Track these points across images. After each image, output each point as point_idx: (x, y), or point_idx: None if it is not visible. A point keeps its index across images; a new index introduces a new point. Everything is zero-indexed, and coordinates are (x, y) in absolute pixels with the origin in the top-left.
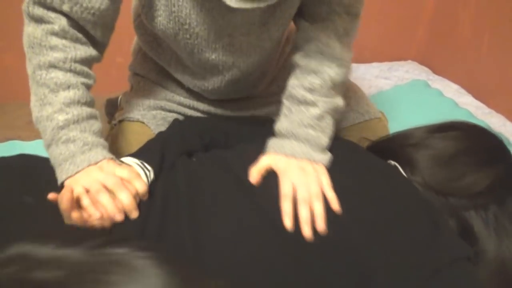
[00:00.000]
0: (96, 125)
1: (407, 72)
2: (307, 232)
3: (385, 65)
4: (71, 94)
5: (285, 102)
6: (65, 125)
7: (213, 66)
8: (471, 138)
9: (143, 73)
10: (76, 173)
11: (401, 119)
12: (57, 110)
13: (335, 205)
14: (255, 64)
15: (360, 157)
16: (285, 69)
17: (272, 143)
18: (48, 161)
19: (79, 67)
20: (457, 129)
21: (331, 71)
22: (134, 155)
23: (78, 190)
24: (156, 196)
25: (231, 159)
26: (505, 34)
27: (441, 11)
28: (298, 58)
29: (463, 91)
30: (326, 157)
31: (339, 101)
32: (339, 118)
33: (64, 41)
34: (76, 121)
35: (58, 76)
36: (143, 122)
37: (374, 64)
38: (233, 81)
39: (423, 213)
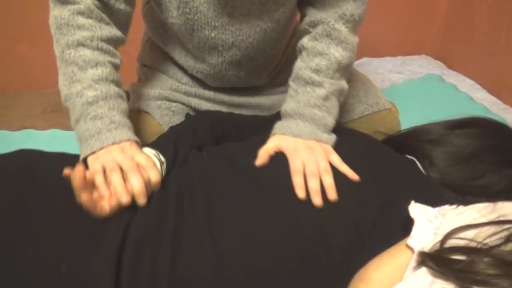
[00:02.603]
0: (123, 105)
1: (420, 66)
2: (317, 201)
3: (398, 59)
4: (99, 71)
5: (292, 84)
6: (94, 101)
7: (213, 46)
8: (491, 136)
9: (150, 63)
10: (100, 149)
11: (414, 113)
12: (86, 86)
13: (353, 175)
14: (255, 46)
15: (377, 149)
16: (292, 61)
17: (278, 124)
18: (47, 156)
19: (105, 46)
20: (478, 126)
21: (337, 54)
22: (150, 146)
23: (95, 167)
24: (170, 188)
25: (241, 151)
26: None
27: (457, 5)
28: (305, 42)
29: (478, 86)
30: (332, 137)
31: (344, 84)
32: (349, 109)
33: (90, 21)
34: (105, 98)
35: (86, 54)
36: (147, 112)
37: (387, 58)
38: (234, 63)
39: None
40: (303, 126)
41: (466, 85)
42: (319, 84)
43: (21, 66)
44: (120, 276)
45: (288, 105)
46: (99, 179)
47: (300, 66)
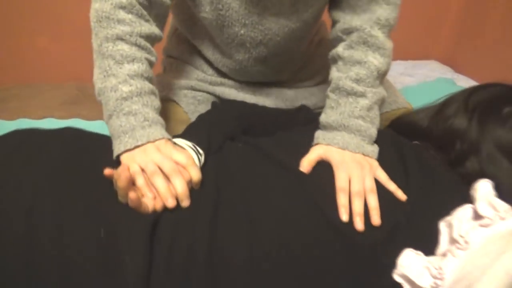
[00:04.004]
0: (156, 102)
1: (431, 70)
2: (359, 224)
3: (409, 63)
4: (135, 67)
5: (331, 95)
6: (129, 97)
7: (241, 43)
8: None
9: (176, 55)
10: (135, 147)
11: None
12: (121, 81)
13: (401, 195)
14: (282, 44)
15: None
16: (313, 58)
17: (321, 134)
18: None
19: (143, 42)
20: None
21: (376, 61)
22: (183, 136)
23: (134, 169)
24: (208, 177)
25: (276, 147)
26: None
27: (468, 11)
28: (340, 51)
29: None
30: (376, 149)
31: (383, 92)
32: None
33: (130, 16)
34: (139, 94)
35: (124, 48)
36: (174, 101)
37: (398, 61)
38: (260, 59)
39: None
40: (348, 138)
41: None
42: (362, 95)
43: (39, 58)
44: (155, 247)
45: (330, 117)
46: (140, 181)
47: (339, 76)
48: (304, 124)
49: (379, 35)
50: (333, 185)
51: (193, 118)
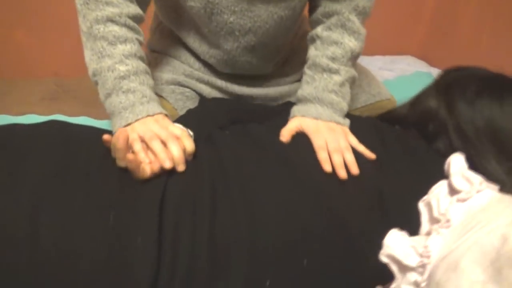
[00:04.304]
0: (151, 80)
1: (408, 65)
2: (342, 174)
3: (387, 58)
4: (128, 47)
5: (308, 71)
6: (126, 76)
7: (230, 31)
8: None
9: (160, 49)
10: (135, 121)
11: None
12: (117, 61)
13: (370, 154)
14: (270, 32)
15: (385, 130)
16: (297, 51)
17: (296, 108)
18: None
19: (132, 23)
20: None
21: (351, 43)
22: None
23: (133, 136)
24: (201, 160)
25: (263, 131)
26: (504, 32)
27: (442, 9)
28: (319, 31)
29: None
30: (347, 121)
31: (355, 72)
32: (353, 98)
33: None
34: (135, 73)
35: (115, 29)
36: (161, 96)
37: (377, 57)
38: (248, 48)
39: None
40: (321, 109)
41: None
42: (336, 71)
43: (17, 52)
44: (160, 235)
45: (305, 90)
46: (137, 147)
47: (316, 54)
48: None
49: (356, 20)
50: (313, 151)
51: (182, 114)
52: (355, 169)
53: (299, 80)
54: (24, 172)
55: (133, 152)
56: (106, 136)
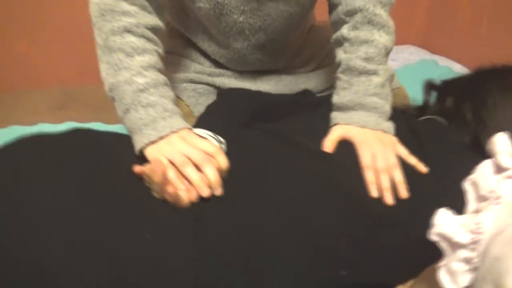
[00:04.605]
0: (171, 92)
1: (411, 54)
2: (389, 200)
3: None
4: (146, 58)
5: (342, 76)
6: (145, 88)
7: (239, 30)
8: None
9: (169, 49)
10: (160, 138)
11: (418, 93)
12: (135, 73)
13: (422, 167)
14: (280, 30)
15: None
16: (305, 45)
17: (338, 115)
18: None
19: (150, 34)
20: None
21: (382, 39)
22: (199, 127)
23: (163, 162)
24: (235, 172)
25: (293, 131)
26: (503, 18)
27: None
28: (345, 32)
29: (466, 70)
30: (392, 125)
31: (391, 69)
32: None
33: (134, 7)
34: (155, 85)
35: (133, 40)
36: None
37: None
38: (258, 46)
39: None
40: (366, 116)
41: (456, 68)
42: (374, 72)
43: (21, 64)
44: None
45: (345, 97)
46: (171, 174)
47: (348, 57)
48: (309, 108)
49: (382, 13)
50: (357, 163)
51: (195, 111)
52: (403, 192)
53: (310, 71)
54: (55, 183)
55: (166, 179)
56: (137, 169)
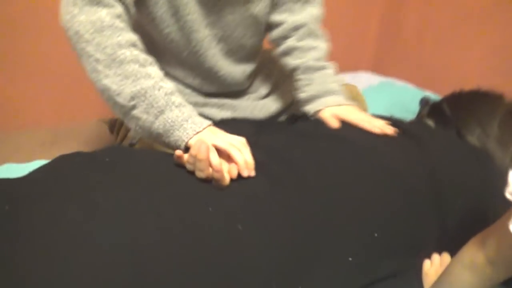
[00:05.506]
0: None
1: (368, 78)
2: (390, 130)
3: (348, 74)
4: (156, 68)
5: (302, 76)
6: (173, 92)
7: (207, 45)
8: None
9: None
10: (197, 133)
11: (382, 110)
12: (159, 80)
13: (390, 129)
14: (240, 39)
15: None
16: (263, 65)
17: (312, 104)
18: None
19: (144, 50)
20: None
21: (322, 45)
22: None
23: (206, 145)
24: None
25: (298, 132)
26: (443, 40)
27: (386, 25)
28: (293, 43)
29: (417, 88)
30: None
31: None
32: None
33: (124, 24)
34: (176, 90)
35: (140, 53)
36: None
37: (340, 74)
38: (226, 56)
39: None
40: (335, 97)
41: (410, 86)
42: (326, 67)
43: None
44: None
45: (311, 91)
46: (216, 155)
47: (303, 61)
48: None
49: (318, 27)
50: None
51: None
52: (390, 129)
53: (268, 95)
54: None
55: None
56: (178, 152)
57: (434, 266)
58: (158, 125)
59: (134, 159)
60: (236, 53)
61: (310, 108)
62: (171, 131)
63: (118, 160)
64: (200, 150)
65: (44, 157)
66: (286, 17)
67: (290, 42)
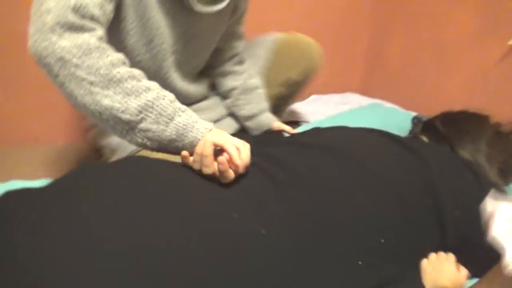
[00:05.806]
0: None
1: (359, 99)
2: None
3: (340, 96)
4: (150, 81)
5: (242, 96)
6: (175, 99)
7: (176, 67)
8: None
9: None
10: (210, 129)
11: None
12: (159, 90)
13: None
14: (201, 57)
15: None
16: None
17: (253, 123)
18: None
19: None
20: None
21: (248, 69)
22: None
23: (211, 145)
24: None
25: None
26: (426, 62)
27: (373, 50)
28: (230, 67)
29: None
30: None
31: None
32: None
33: (108, 45)
34: (175, 98)
35: (132, 69)
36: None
37: (332, 95)
38: (186, 74)
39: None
40: (271, 114)
41: (398, 108)
42: (258, 87)
43: None
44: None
45: (253, 109)
46: (222, 158)
47: (241, 83)
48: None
49: (244, 56)
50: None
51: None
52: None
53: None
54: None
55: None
56: (185, 152)
57: (431, 262)
58: (171, 131)
59: (155, 168)
60: (192, 74)
61: (249, 125)
62: (185, 134)
63: (142, 167)
64: (205, 147)
65: (51, 176)
66: (228, 47)
67: (227, 67)
